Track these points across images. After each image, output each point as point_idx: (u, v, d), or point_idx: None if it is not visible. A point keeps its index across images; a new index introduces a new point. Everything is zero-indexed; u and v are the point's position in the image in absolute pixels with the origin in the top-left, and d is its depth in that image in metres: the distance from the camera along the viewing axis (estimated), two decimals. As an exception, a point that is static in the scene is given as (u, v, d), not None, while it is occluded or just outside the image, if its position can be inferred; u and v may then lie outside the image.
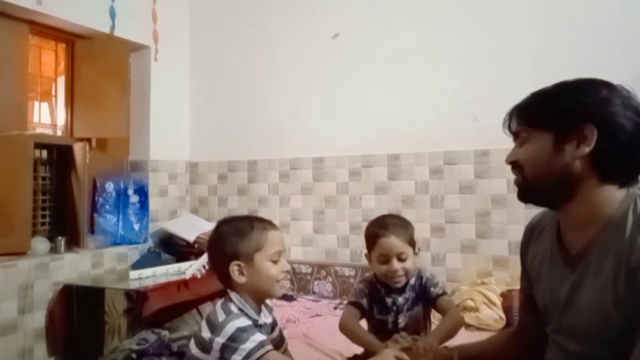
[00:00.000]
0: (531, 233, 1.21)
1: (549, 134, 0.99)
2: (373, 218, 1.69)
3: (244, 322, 1.25)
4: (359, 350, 1.68)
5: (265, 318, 1.37)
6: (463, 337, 2.22)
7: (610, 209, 0.97)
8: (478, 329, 2.39)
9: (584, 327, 1.00)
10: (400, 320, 1.60)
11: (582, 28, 2.61)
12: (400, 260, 1.54)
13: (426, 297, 1.62)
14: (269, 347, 1.23)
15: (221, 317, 1.27)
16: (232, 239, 1.33)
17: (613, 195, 0.98)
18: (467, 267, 2.83)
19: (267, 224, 1.37)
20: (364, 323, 1.67)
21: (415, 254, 1.59)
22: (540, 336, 1.14)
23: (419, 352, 1.30)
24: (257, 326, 1.31)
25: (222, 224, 1.40)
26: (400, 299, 1.60)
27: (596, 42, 2.57)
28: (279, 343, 1.43)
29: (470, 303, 2.49)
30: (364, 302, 1.63)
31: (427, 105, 2.95)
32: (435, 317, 1.70)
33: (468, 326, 2.43)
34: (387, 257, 1.55)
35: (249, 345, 1.20)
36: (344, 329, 1.60)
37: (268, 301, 1.44)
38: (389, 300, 1.60)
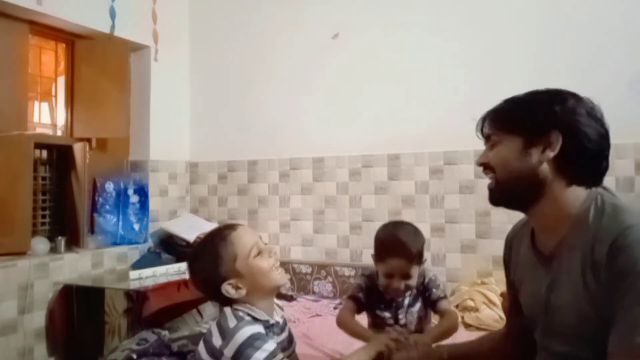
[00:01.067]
0: (510, 243, 1.25)
1: (518, 138, 1.04)
2: (385, 223, 1.70)
3: (255, 329, 1.23)
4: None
5: (277, 317, 1.36)
6: (463, 337, 2.22)
7: (575, 207, 1.02)
8: (478, 329, 2.39)
9: (564, 327, 1.02)
10: (400, 317, 1.62)
11: (582, 28, 2.61)
12: (405, 278, 1.56)
13: (426, 297, 1.64)
14: (280, 355, 1.21)
15: (232, 323, 1.24)
16: (208, 270, 1.29)
17: (577, 196, 1.02)
18: (467, 267, 2.83)
19: (224, 231, 1.32)
20: (364, 318, 1.70)
21: (422, 264, 1.60)
22: (528, 340, 1.16)
23: (408, 343, 1.33)
24: (270, 327, 1.30)
25: (190, 262, 1.36)
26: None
27: (596, 42, 2.57)
28: (288, 344, 1.42)
29: (470, 303, 2.49)
30: (361, 295, 1.66)
31: (427, 105, 2.95)
32: (434, 317, 1.71)
33: (468, 326, 2.43)
34: (392, 274, 1.56)
35: (260, 355, 1.18)
36: (340, 323, 1.64)
37: (277, 301, 1.42)
38: (387, 296, 1.63)
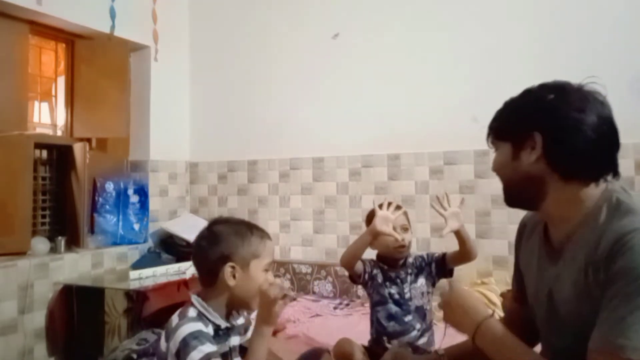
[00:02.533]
0: (523, 229, 1.26)
1: (508, 144, 1.09)
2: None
3: (195, 327, 1.22)
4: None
5: (234, 320, 1.34)
6: (463, 337, 2.21)
7: (585, 205, 1.01)
8: (478, 329, 2.39)
9: (563, 321, 1.03)
10: (405, 291, 1.82)
11: (582, 28, 2.61)
12: (404, 230, 1.81)
13: (437, 263, 1.87)
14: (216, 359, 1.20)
15: (175, 322, 1.25)
16: (231, 240, 1.29)
17: (586, 193, 1.02)
18: (467, 267, 2.78)
19: (264, 232, 1.36)
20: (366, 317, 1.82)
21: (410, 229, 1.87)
22: (528, 329, 1.17)
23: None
24: (222, 329, 1.29)
25: (217, 223, 1.37)
26: (402, 272, 1.84)
27: (596, 42, 2.57)
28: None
29: (471, 303, 2.49)
30: (365, 261, 1.83)
31: (427, 105, 2.95)
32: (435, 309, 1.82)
33: (468, 326, 2.43)
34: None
35: (196, 355, 1.17)
36: (343, 257, 1.80)
37: None
38: (392, 274, 1.84)
